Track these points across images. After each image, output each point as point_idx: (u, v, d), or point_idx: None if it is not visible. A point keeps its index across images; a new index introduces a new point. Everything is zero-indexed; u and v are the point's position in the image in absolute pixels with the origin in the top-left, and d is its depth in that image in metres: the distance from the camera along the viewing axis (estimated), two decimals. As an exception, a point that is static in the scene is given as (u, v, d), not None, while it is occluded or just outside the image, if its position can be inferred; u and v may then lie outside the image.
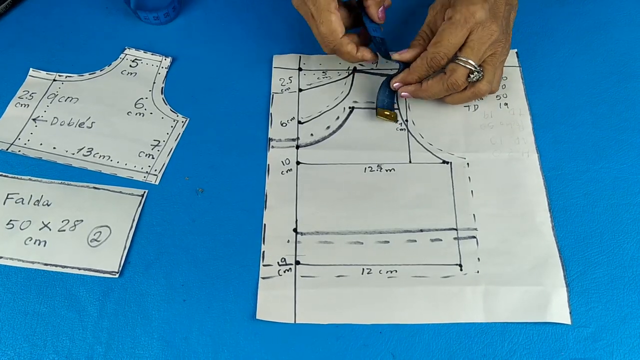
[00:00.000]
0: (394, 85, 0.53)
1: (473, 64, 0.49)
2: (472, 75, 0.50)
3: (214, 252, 0.48)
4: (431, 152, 0.53)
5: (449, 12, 0.49)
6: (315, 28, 0.51)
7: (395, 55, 0.53)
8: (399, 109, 0.56)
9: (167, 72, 0.60)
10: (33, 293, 0.47)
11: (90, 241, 0.49)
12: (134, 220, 0.50)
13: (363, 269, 0.47)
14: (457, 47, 0.49)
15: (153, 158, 0.53)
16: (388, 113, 0.54)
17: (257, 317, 0.45)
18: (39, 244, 0.49)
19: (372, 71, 0.58)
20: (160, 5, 0.62)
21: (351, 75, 0.58)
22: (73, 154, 0.54)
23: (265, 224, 0.49)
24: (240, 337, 0.44)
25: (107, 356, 0.44)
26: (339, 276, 0.47)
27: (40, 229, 0.49)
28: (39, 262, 0.48)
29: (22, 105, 0.57)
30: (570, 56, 0.58)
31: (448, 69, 0.50)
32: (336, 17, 0.50)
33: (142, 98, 0.58)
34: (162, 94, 0.58)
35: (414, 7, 0.63)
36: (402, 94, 0.53)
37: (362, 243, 0.48)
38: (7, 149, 0.54)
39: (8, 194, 0.51)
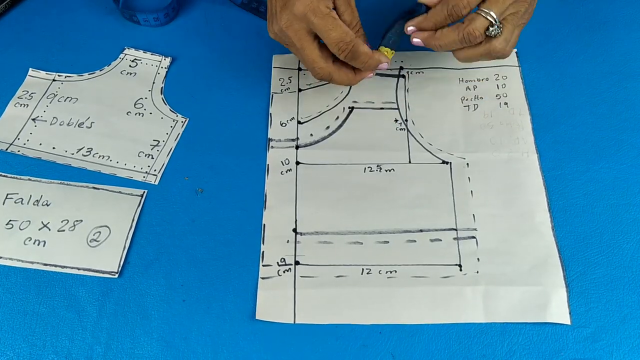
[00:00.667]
0: (409, 29, 0.50)
1: (494, 16, 0.46)
2: (491, 29, 0.46)
3: (214, 252, 0.48)
4: (431, 152, 0.53)
5: None
6: (325, 37, 0.47)
7: (409, 24, 0.50)
8: (400, 71, 0.56)
9: (167, 72, 0.60)
10: (32, 293, 0.47)
11: (90, 241, 0.49)
12: (133, 220, 0.50)
13: (363, 269, 0.47)
14: None
15: (152, 158, 0.53)
16: (388, 52, 0.51)
17: (257, 317, 0.45)
18: (38, 244, 0.49)
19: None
20: (159, 6, 0.62)
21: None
22: (72, 154, 0.54)
23: (264, 224, 0.49)
24: (239, 337, 0.44)
25: (107, 356, 0.44)
26: (338, 276, 0.47)
27: (39, 229, 0.49)
28: (38, 262, 0.48)
29: (21, 105, 0.57)
30: (570, 56, 0.58)
31: (467, 18, 0.47)
32: (342, 22, 0.47)
33: (141, 98, 0.58)
34: (161, 94, 0.58)
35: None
36: (414, 40, 0.50)
37: (361, 243, 0.48)
38: (6, 149, 0.54)
39: (7, 194, 0.51)
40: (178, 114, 0.56)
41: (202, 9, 0.64)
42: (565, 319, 0.44)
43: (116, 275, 0.47)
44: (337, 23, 0.46)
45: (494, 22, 0.46)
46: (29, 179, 0.52)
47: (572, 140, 0.53)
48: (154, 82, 0.59)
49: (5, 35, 0.63)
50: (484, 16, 0.46)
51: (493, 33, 0.47)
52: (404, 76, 0.57)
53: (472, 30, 0.46)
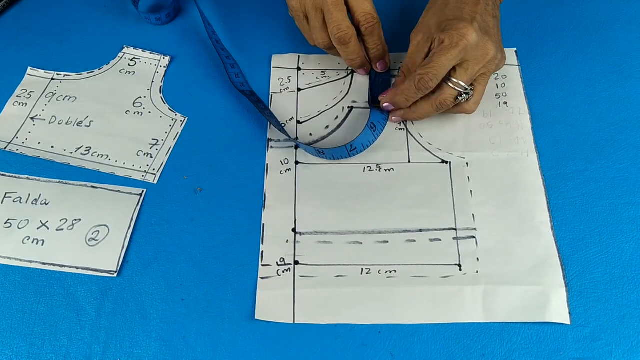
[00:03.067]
0: (384, 105, 0.53)
1: (464, 85, 0.48)
2: (460, 98, 0.49)
3: (213, 251, 0.48)
4: (430, 152, 0.52)
5: (440, 36, 0.47)
6: (358, 5, 0.51)
7: (382, 100, 0.53)
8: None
9: (166, 71, 0.59)
10: (31, 292, 0.47)
11: (89, 240, 0.49)
12: (132, 219, 0.50)
13: (362, 269, 0.47)
14: (447, 70, 0.48)
15: (151, 157, 0.53)
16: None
17: (256, 317, 0.45)
18: (37, 243, 0.48)
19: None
20: (162, 5, 0.62)
21: (350, 75, 0.58)
22: (71, 152, 0.54)
23: (264, 224, 0.49)
24: (238, 337, 0.44)
25: (105, 355, 0.44)
26: (338, 276, 0.47)
27: (38, 228, 0.49)
28: (37, 262, 0.48)
29: (20, 104, 0.57)
30: (570, 55, 0.58)
31: (438, 88, 0.49)
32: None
33: (140, 97, 0.58)
34: (160, 92, 0.58)
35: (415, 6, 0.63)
36: (393, 118, 0.53)
37: (361, 243, 0.48)
38: (4, 148, 0.54)
39: (6, 193, 0.51)
40: (177, 113, 0.56)
41: (201, 8, 0.64)
42: (565, 319, 0.44)
43: (115, 275, 0.47)
44: (343, 9, 0.51)
45: (462, 91, 0.49)
46: (28, 178, 0.52)
47: (572, 139, 0.53)
48: (152, 81, 0.59)
49: (4, 33, 0.63)
50: (452, 87, 0.49)
51: (463, 99, 0.50)
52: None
53: (443, 100, 0.49)
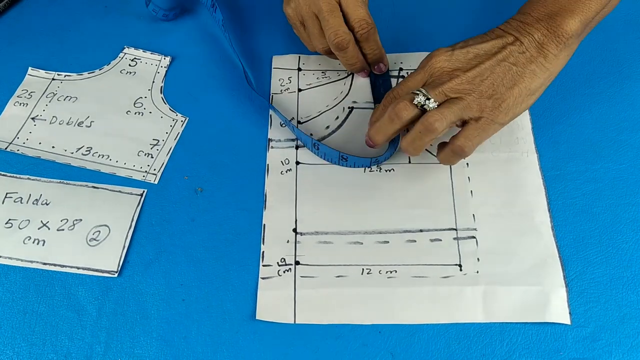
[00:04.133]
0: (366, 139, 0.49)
1: (421, 90, 0.44)
2: (416, 98, 0.44)
3: (214, 251, 0.48)
4: (430, 152, 0.53)
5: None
6: (352, 11, 0.51)
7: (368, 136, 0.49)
8: (400, 72, 0.58)
9: (167, 71, 0.59)
10: (32, 292, 0.47)
11: (89, 240, 0.49)
12: (133, 219, 0.50)
13: (363, 269, 0.47)
14: (412, 89, 0.45)
15: (152, 157, 0.53)
16: None
17: (257, 318, 0.45)
18: (37, 243, 0.48)
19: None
20: (171, 5, 0.62)
21: (350, 75, 0.58)
22: (72, 153, 0.54)
23: (264, 224, 0.49)
24: (239, 337, 0.44)
25: (106, 355, 0.44)
26: (338, 276, 0.47)
27: (39, 228, 0.49)
28: (37, 262, 0.48)
29: (20, 104, 0.57)
30: (570, 56, 0.58)
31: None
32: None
33: (141, 97, 0.58)
34: (161, 93, 0.58)
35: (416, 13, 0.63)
36: (366, 140, 0.49)
37: (361, 243, 0.48)
38: (5, 148, 0.54)
39: (7, 193, 0.51)
40: (178, 113, 0.56)
41: (202, 8, 0.64)
42: (565, 319, 0.44)
43: (116, 275, 0.47)
44: (366, 4, 0.52)
45: (417, 91, 0.44)
46: (29, 178, 0.52)
47: (572, 140, 0.53)
48: (153, 81, 0.59)
49: (5, 33, 0.63)
50: (410, 93, 0.45)
51: (420, 101, 0.44)
52: (403, 77, 0.57)
53: (395, 104, 0.45)
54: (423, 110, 0.45)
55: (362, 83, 0.57)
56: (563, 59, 0.47)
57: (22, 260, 0.48)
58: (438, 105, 0.44)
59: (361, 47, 0.54)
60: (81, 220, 0.50)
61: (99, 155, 0.54)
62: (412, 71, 0.48)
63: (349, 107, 0.56)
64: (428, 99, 0.44)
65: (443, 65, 0.46)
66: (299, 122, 0.55)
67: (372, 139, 0.48)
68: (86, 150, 0.54)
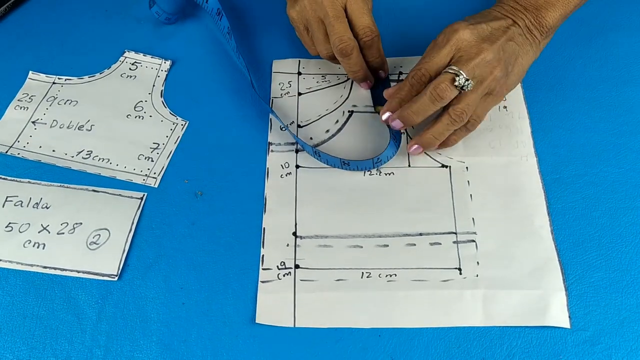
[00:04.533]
0: (383, 117, 0.51)
1: (456, 69, 0.46)
2: (457, 78, 0.46)
3: (213, 255, 0.48)
4: (430, 156, 0.53)
5: (437, 37, 0.49)
6: (357, 17, 0.51)
7: (382, 111, 0.51)
8: (399, 76, 0.58)
9: (167, 75, 0.60)
10: (32, 296, 0.47)
11: (89, 244, 0.49)
12: (133, 223, 0.50)
13: (362, 273, 0.47)
14: (440, 66, 0.47)
15: (152, 161, 0.53)
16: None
17: (257, 321, 0.45)
18: (37, 247, 0.48)
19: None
20: (174, 9, 0.62)
21: (350, 79, 0.58)
22: (72, 156, 0.54)
23: (264, 228, 0.49)
24: (239, 341, 0.44)
25: (106, 359, 0.44)
26: (338, 280, 0.47)
27: (39, 232, 0.49)
28: (37, 265, 0.48)
29: (21, 107, 0.57)
30: (569, 60, 0.59)
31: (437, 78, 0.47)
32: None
33: (141, 101, 0.58)
34: (161, 97, 0.58)
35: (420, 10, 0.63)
36: (392, 123, 0.50)
37: (361, 247, 0.48)
38: (6, 152, 0.54)
39: (7, 197, 0.51)
40: (178, 117, 0.56)
41: (202, 12, 0.64)
42: (565, 323, 0.44)
43: (116, 278, 0.47)
44: (370, 11, 0.52)
45: (458, 73, 0.46)
46: (29, 182, 0.52)
47: (571, 144, 0.53)
48: (153, 85, 0.59)
49: (5, 37, 0.63)
50: (447, 71, 0.46)
51: (461, 83, 0.46)
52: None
53: (438, 84, 0.46)
54: (460, 90, 0.47)
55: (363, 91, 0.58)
56: (542, 47, 0.52)
57: (22, 264, 0.48)
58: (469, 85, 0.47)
59: (364, 54, 0.54)
60: (81, 223, 0.50)
61: (99, 159, 0.54)
62: (433, 44, 0.49)
63: (349, 111, 0.56)
64: (467, 79, 0.46)
65: (469, 37, 0.47)
66: (298, 126, 0.55)
67: (408, 120, 0.49)
68: (86, 154, 0.54)
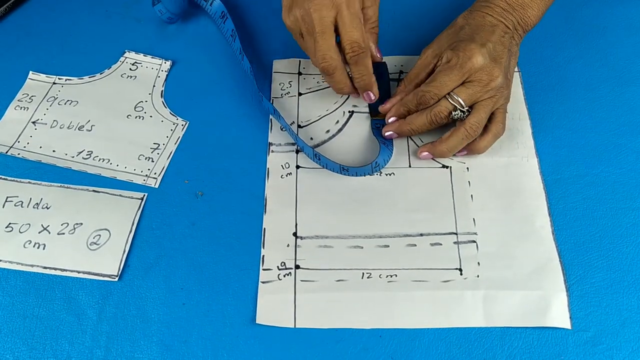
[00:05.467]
0: (388, 121, 0.53)
1: (459, 100, 0.49)
2: (454, 113, 0.49)
3: (214, 255, 0.48)
4: (433, 159, 0.53)
5: (448, 54, 0.50)
6: (346, 32, 0.49)
7: (383, 110, 0.54)
8: (400, 75, 0.58)
9: (167, 75, 0.60)
10: (32, 296, 0.47)
11: (90, 244, 0.49)
12: (133, 223, 0.50)
13: (363, 273, 0.47)
14: (450, 89, 0.49)
15: (153, 161, 0.53)
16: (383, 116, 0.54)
17: (257, 322, 0.45)
18: (38, 247, 0.48)
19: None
20: (177, 10, 0.62)
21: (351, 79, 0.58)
22: (73, 157, 0.54)
23: (265, 228, 0.49)
24: (240, 341, 0.44)
25: (107, 359, 0.44)
26: (338, 280, 0.47)
27: (39, 232, 0.49)
28: (38, 266, 0.48)
29: (21, 108, 0.57)
30: (569, 61, 0.59)
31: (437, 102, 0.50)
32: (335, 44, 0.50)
33: (141, 101, 0.58)
34: (161, 97, 0.58)
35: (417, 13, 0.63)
36: (386, 134, 0.53)
37: (362, 247, 0.48)
38: (6, 152, 0.54)
39: (7, 197, 0.51)
40: (178, 117, 0.56)
41: (202, 13, 0.64)
42: (566, 323, 0.44)
43: (116, 279, 0.47)
44: (361, 25, 0.50)
45: (457, 106, 0.49)
46: (29, 182, 0.52)
47: (572, 144, 0.53)
48: (154, 86, 0.59)
49: (6, 38, 0.63)
50: (449, 100, 0.49)
51: (456, 116, 0.50)
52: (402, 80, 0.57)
53: (438, 112, 0.50)
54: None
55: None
56: (519, 44, 0.53)
57: (22, 264, 0.48)
58: (468, 111, 0.50)
59: (350, 70, 0.52)
60: (82, 224, 0.50)
61: (100, 159, 0.54)
62: (448, 62, 0.50)
63: (349, 112, 0.56)
64: (463, 112, 0.49)
65: (482, 63, 0.48)
66: (299, 126, 0.55)
67: (405, 134, 0.53)
68: (87, 154, 0.54)
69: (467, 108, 0.49)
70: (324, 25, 0.49)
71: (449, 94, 0.49)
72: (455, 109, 0.49)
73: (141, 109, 0.57)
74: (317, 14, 0.48)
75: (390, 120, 0.53)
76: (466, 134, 0.50)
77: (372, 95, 0.54)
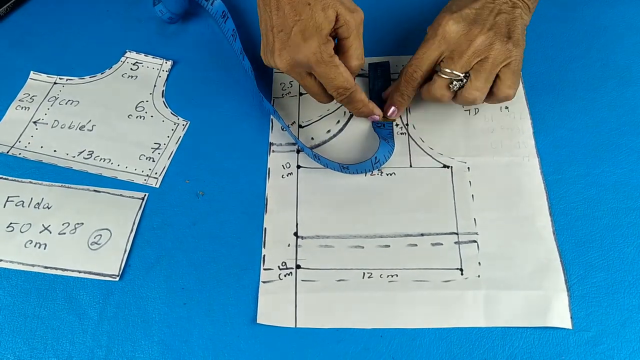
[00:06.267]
0: (388, 113, 0.53)
1: (450, 72, 0.48)
2: (452, 85, 0.48)
3: (215, 255, 0.48)
4: (432, 156, 0.53)
5: (428, 29, 0.50)
6: (326, 83, 0.48)
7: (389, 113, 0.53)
8: None
9: (168, 75, 0.60)
10: (33, 296, 0.47)
11: (91, 244, 0.49)
12: (134, 223, 0.50)
13: (364, 273, 0.47)
14: (431, 61, 0.48)
15: (153, 161, 0.53)
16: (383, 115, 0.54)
17: (258, 321, 0.45)
18: (39, 247, 0.48)
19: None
20: (178, 9, 0.62)
21: (352, 79, 0.58)
22: (74, 156, 0.54)
23: (265, 228, 0.49)
24: (240, 341, 0.44)
25: (108, 359, 0.44)
26: (339, 280, 0.47)
27: (40, 232, 0.49)
28: (39, 265, 0.48)
29: (22, 108, 0.57)
30: (570, 60, 0.59)
31: (432, 80, 0.49)
32: (344, 67, 0.47)
33: (142, 101, 0.58)
34: (162, 97, 0.58)
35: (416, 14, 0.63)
36: (389, 113, 0.53)
37: (362, 247, 0.48)
38: (7, 152, 0.54)
39: (8, 197, 0.51)
40: (179, 117, 0.56)
41: (203, 12, 0.64)
42: (567, 323, 0.44)
43: (117, 279, 0.47)
44: (339, 71, 0.47)
45: (452, 78, 0.48)
46: (30, 182, 0.52)
47: (573, 144, 0.53)
48: (155, 86, 0.59)
49: (7, 37, 0.63)
50: (440, 75, 0.48)
51: (456, 87, 0.49)
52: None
53: (434, 91, 0.49)
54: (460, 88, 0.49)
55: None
56: (532, 10, 0.52)
57: (23, 264, 0.48)
58: (469, 78, 0.48)
59: (347, 109, 0.53)
60: (82, 224, 0.50)
61: (101, 159, 0.54)
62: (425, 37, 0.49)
63: (350, 112, 0.56)
64: (462, 79, 0.48)
65: (455, 29, 0.47)
66: (300, 126, 0.55)
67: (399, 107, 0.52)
68: (88, 154, 0.54)
69: (463, 75, 0.48)
70: (304, 79, 0.49)
71: (440, 69, 0.48)
72: (451, 81, 0.48)
73: (142, 109, 0.57)
74: (292, 72, 0.48)
75: (390, 112, 0.53)
76: (462, 103, 0.50)
77: (376, 117, 0.53)
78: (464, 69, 0.47)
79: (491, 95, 0.49)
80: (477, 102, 0.49)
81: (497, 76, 0.48)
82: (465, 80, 0.48)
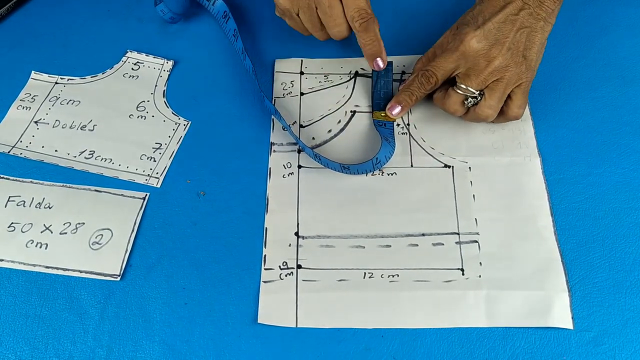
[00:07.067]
0: (388, 108, 0.53)
1: (466, 88, 0.49)
2: (466, 101, 0.50)
3: (216, 255, 0.48)
4: (433, 156, 0.53)
5: (449, 36, 0.51)
6: (350, 1, 0.50)
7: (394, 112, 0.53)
8: (402, 75, 0.58)
9: (169, 75, 0.60)
10: (34, 296, 0.47)
11: (92, 244, 0.49)
12: (135, 223, 0.50)
13: (365, 273, 0.47)
14: (448, 71, 0.50)
15: (155, 161, 0.53)
16: (384, 114, 0.54)
17: (259, 321, 0.45)
18: (40, 247, 0.49)
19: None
20: (179, 9, 0.62)
21: (353, 79, 0.58)
22: (75, 156, 0.54)
23: (266, 228, 0.49)
24: (241, 341, 0.44)
25: (109, 359, 0.44)
26: (340, 280, 0.47)
27: (41, 232, 0.49)
28: (40, 265, 0.48)
29: (23, 107, 0.57)
30: (572, 60, 0.59)
31: (447, 93, 0.51)
32: None
33: (144, 101, 0.58)
34: (164, 97, 0.58)
35: (415, 12, 0.63)
36: (393, 111, 0.53)
37: (363, 247, 0.48)
38: (8, 152, 0.54)
39: (9, 197, 0.51)
40: (180, 117, 0.56)
41: (204, 12, 0.64)
42: (568, 324, 0.44)
43: (118, 278, 0.47)
44: None
45: (467, 94, 0.50)
46: (31, 182, 0.52)
47: (574, 144, 0.53)
48: (156, 85, 0.59)
49: (8, 37, 0.63)
50: (456, 91, 0.50)
51: (470, 104, 0.50)
52: (405, 81, 0.57)
53: (449, 106, 0.51)
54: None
55: (365, 87, 0.58)
56: (556, 14, 0.50)
57: (24, 264, 0.48)
58: (480, 95, 0.50)
59: (359, 38, 0.53)
60: (84, 223, 0.50)
61: (102, 159, 0.54)
62: (446, 46, 0.50)
63: (351, 111, 0.56)
64: (476, 97, 0.50)
65: (476, 47, 0.48)
66: (301, 126, 0.55)
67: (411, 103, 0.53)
68: (89, 154, 0.54)
69: (478, 93, 0.50)
70: None
71: (455, 84, 0.50)
72: (466, 97, 0.50)
73: (143, 108, 0.57)
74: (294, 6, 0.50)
75: (395, 112, 0.53)
76: (474, 120, 0.52)
77: (380, 62, 0.54)
78: (480, 86, 0.49)
79: (501, 115, 0.51)
80: (488, 120, 0.51)
81: (509, 96, 0.50)
82: (479, 97, 0.50)
